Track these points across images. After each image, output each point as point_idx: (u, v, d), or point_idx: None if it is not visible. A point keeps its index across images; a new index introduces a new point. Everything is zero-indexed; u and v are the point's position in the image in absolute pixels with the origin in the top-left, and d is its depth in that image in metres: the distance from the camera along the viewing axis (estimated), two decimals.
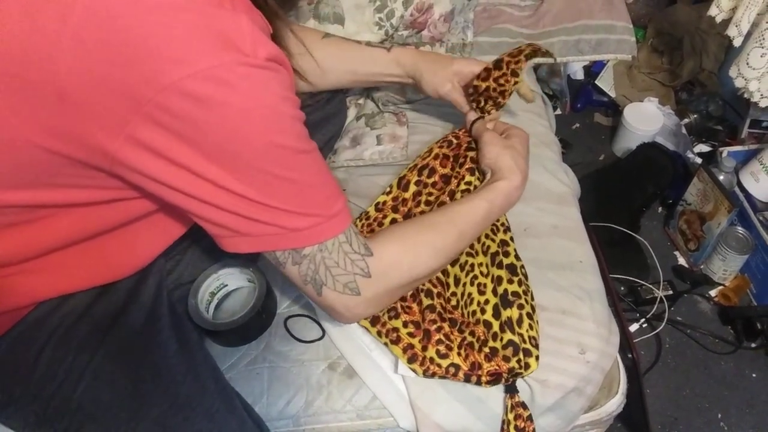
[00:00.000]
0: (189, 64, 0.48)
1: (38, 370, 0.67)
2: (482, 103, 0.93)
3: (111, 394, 0.67)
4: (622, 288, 1.50)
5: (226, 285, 0.88)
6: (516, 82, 0.90)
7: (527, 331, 0.78)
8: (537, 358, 0.77)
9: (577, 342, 0.83)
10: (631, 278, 1.49)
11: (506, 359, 0.76)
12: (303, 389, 0.81)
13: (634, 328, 1.43)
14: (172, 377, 0.70)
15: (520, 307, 0.79)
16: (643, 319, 1.44)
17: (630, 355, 1.12)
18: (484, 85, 0.92)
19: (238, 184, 0.55)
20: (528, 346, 0.77)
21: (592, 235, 1.00)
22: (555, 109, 1.93)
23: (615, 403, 0.89)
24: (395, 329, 0.79)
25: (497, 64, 0.92)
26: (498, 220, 0.88)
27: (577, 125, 1.95)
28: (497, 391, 0.78)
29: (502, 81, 0.90)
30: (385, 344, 0.80)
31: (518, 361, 0.76)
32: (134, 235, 0.70)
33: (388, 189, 0.94)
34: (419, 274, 0.74)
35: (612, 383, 0.89)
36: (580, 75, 2.00)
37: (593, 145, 1.87)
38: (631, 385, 0.92)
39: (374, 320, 0.80)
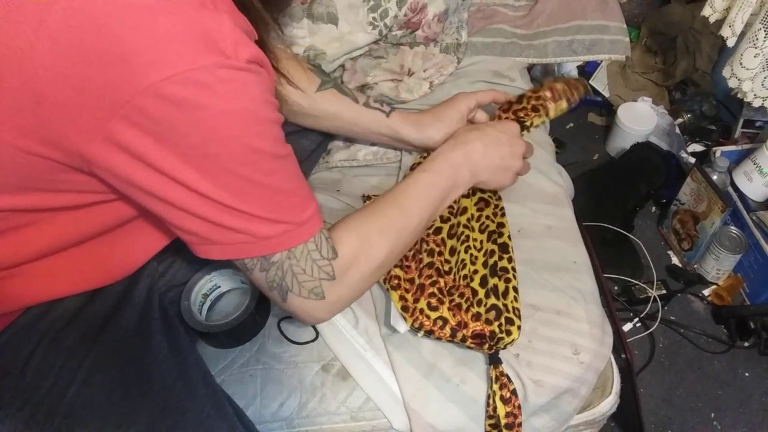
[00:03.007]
0: (168, 66, 0.48)
1: (28, 375, 0.67)
2: None
3: (101, 399, 0.67)
4: (616, 287, 1.51)
5: (219, 286, 0.87)
6: (537, 121, 0.96)
7: (512, 302, 0.81)
8: (519, 327, 0.79)
9: (571, 343, 0.83)
10: (624, 278, 1.50)
11: (488, 322, 0.78)
12: (296, 391, 0.81)
13: (627, 327, 1.44)
14: (163, 382, 0.69)
15: (507, 281, 0.82)
16: (636, 319, 1.44)
17: (623, 356, 1.12)
18: (504, 116, 0.97)
19: (213, 188, 0.55)
20: (511, 315, 0.80)
21: (586, 235, 1.00)
22: None
23: (608, 404, 0.89)
24: (397, 277, 0.82)
25: (519, 99, 0.97)
26: (497, 206, 0.93)
27: (571, 125, 1.95)
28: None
29: (521, 114, 0.95)
30: (387, 290, 0.82)
31: (500, 326, 0.78)
32: (125, 239, 0.70)
33: None
34: (377, 264, 0.74)
35: (605, 383, 0.89)
36: (573, 74, 2.00)
37: (587, 144, 1.88)
38: (625, 385, 0.92)
39: None
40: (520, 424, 0.76)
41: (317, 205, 0.65)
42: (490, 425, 0.77)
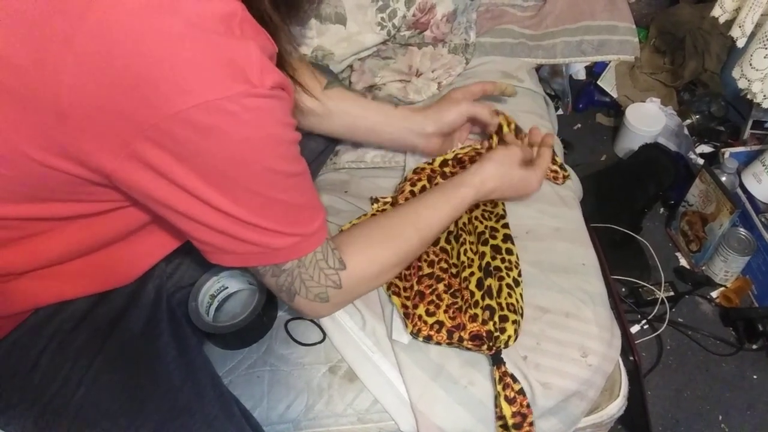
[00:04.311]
0: (196, 94, 0.48)
1: (37, 375, 0.67)
2: None
3: (109, 400, 0.67)
4: (624, 289, 1.50)
5: (227, 287, 0.87)
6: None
7: (505, 299, 0.82)
8: (514, 323, 0.80)
9: (579, 345, 0.82)
10: (632, 279, 1.49)
11: (484, 322, 0.79)
12: (304, 393, 0.81)
13: (635, 329, 1.43)
14: (171, 383, 0.70)
15: (500, 279, 0.84)
16: (644, 321, 1.44)
17: (631, 358, 1.12)
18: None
19: (232, 205, 0.57)
20: (505, 312, 0.80)
21: (594, 236, 1.00)
22: (557, 109, 1.93)
23: (616, 406, 0.88)
24: (396, 285, 0.85)
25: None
26: (492, 212, 0.93)
27: (579, 126, 1.94)
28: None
29: None
30: (389, 296, 0.84)
31: (494, 324, 0.78)
32: (134, 243, 0.71)
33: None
34: (384, 280, 0.81)
35: (613, 386, 0.88)
36: (582, 75, 2.00)
37: (595, 145, 1.87)
38: (633, 388, 0.91)
39: None
40: (531, 423, 0.76)
41: (324, 216, 0.68)
42: (500, 426, 0.77)
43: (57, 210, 0.59)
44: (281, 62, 0.62)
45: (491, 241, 0.88)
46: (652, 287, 1.47)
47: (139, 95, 0.48)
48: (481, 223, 0.91)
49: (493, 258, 0.86)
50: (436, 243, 0.89)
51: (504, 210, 0.94)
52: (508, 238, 0.89)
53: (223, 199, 0.56)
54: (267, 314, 0.84)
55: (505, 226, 0.91)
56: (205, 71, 0.49)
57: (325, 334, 0.84)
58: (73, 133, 0.50)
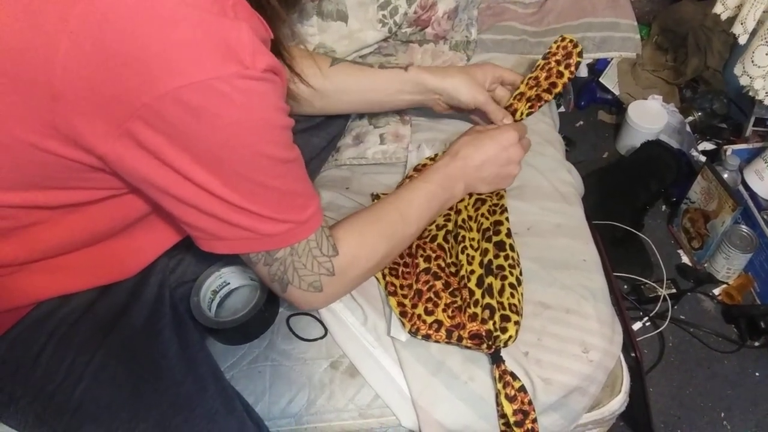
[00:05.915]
0: (187, 74, 0.48)
1: (38, 369, 0.68)
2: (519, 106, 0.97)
3: (111, 394, 0.67)
4: (625, 286, 1.50)
5: (229, 283, 0.88)
6: (563, 84, 0.97)
7: (508, 299, 0.81)
8: (516, 323, 0.79)
9: (580, 341, 0.82)
10: (634, 276, 1.49)
11: (484, 321, 0.79)
12: (305, 388, 0.81)
13: (637, 326, 1.43)
14: (173, 377, 0.70)
15: (503, 278, 0.83)
16: (646, 318, 1.44)
17: (633, 354, 1.12)
18: (531, 93, 0.96)
19: (224, 189, 0.56)
20: (507, 312, 0.80)
21: (596, 233, 1.00)
22: (559, 106, 1.92)
23: (618, 402, 0.88)
24: (393, 284, 0.84)
25: (545, 66, 0.96)
26: (497, 204, 0.92)
27: (581, 123, 1.94)
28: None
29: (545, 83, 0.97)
30: (385, 296, 0.84)
31: (494, 324, 0.78)
32: (135, 236, 0.71)
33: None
34: (374, 264, 0.78)
35: (615, 382, 0.88)
36: (584, 72, 1.99)
37: (597, 142, 1.87)
38: (634, 384, 0.92)
39: (381, 273, 0.86)
40: (534, 420, 0.75)
41: (319, 203, 0.67)
42: (503, 424, 0.77)
43: (54, 198, 0.59)
44: (278, 50, 0.62)
45: (494, 238, 0.87)
46: (654, 284, 1.47)
47: (132, 75, 0.48)
48: (487, 219, 0.90)
49: (496, 256, 0.85)
50: (433, 240, 0.89)
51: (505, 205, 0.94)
52: (510, 232, 0.89)
53: (215, 181, 0.56)
54: (268, 309, 0.84)
55: (508, 219, 0.91)
56: (197, 51, 0.49)
57: (326, 329, 0.84)
58: (67, 115, 0.50)
